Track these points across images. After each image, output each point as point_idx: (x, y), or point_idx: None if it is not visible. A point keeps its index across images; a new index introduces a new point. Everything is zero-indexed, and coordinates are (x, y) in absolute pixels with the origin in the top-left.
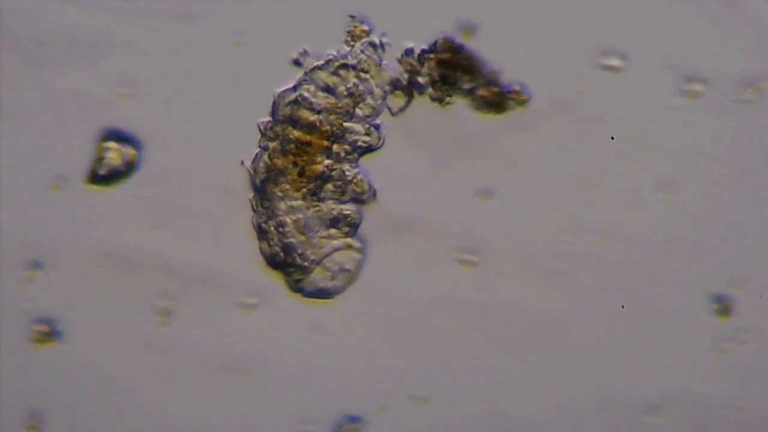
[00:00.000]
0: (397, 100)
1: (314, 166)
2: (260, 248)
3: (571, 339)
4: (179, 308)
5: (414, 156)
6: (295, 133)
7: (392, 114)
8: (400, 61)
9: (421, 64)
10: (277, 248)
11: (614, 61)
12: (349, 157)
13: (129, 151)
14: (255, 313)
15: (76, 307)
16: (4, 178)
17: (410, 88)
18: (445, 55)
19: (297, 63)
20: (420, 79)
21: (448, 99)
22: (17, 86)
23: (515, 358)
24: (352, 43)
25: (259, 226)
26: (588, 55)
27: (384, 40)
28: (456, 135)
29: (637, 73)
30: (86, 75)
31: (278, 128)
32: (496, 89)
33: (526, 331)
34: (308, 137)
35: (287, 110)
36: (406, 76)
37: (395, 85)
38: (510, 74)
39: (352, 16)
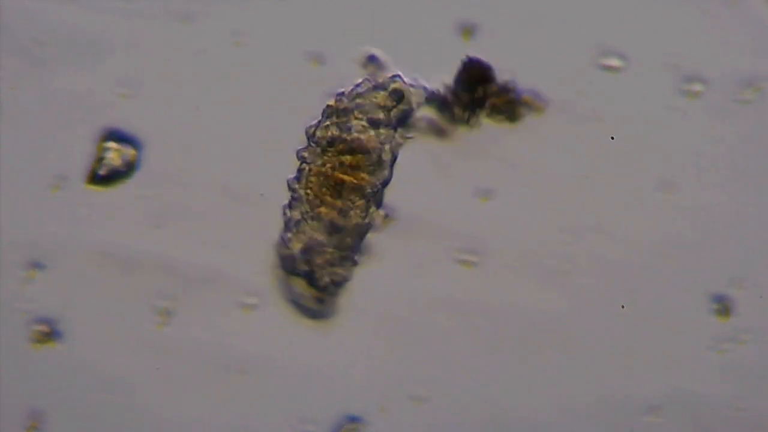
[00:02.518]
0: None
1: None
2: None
3: (571, 339)
4: (179, 308)
5: (414, 156)
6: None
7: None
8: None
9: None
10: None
11: (614, 61)
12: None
13: (129, 151)
14: (255, 313)
15: (76, 307)
16: (4, 178)
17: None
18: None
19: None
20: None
21: (473, 119)
22: (17, 86)
23: (515, 358)
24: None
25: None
26: (588, 55)
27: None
28: (456, 135)
29: (637, 73)
30: (86, 75)
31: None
32: (508, 97)
33: (525, 331)
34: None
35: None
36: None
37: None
38: (511, 74)
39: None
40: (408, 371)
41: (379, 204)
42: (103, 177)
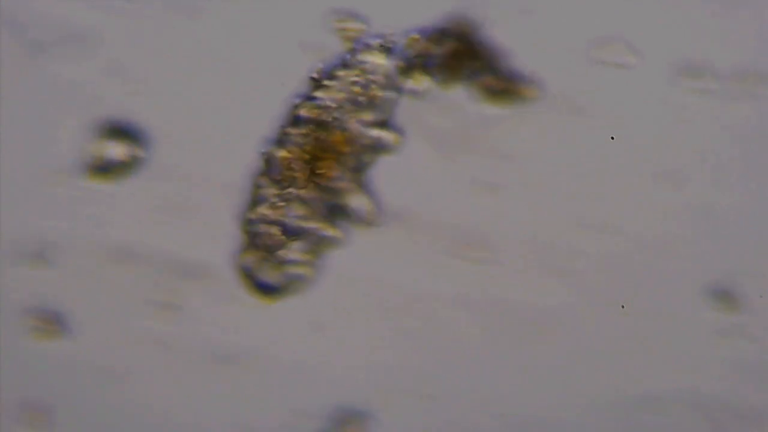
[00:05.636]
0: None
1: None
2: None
3: (576, 335)
4: (179, 302)
5: (417, 150)
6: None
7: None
8: (409, 43)
9: (431, 43)
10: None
11: (619, 56)
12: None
13: (133, 146)
14: (256, 308)
15: (79, 301)
16: (7, 172)
17: (416, 68)
18: (453, 45)
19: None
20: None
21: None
22: (20, 80)
23: (520, 354)
24: (351, 45)
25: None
26: (592, 49)
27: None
28: (459, 128)
29: (643, 67)
30: (91, 69)
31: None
32: (502, 78)
33: (530, 327)
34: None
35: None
36: (414, 56)
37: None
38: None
39: (341, 19)
40: (410, 367)
41: (364, 185)
42: (107, 171)
